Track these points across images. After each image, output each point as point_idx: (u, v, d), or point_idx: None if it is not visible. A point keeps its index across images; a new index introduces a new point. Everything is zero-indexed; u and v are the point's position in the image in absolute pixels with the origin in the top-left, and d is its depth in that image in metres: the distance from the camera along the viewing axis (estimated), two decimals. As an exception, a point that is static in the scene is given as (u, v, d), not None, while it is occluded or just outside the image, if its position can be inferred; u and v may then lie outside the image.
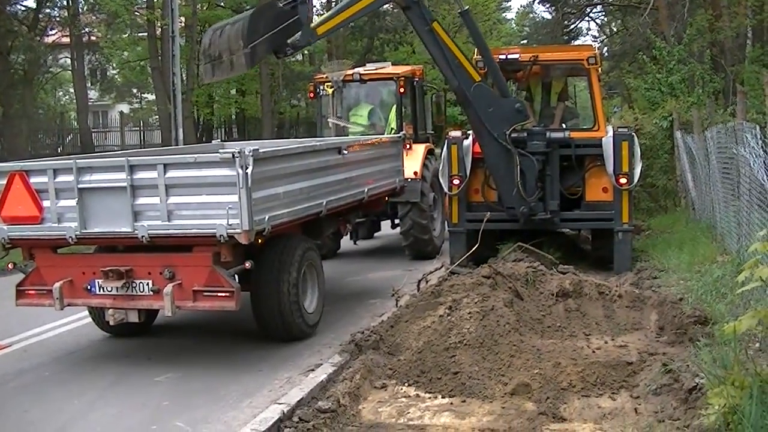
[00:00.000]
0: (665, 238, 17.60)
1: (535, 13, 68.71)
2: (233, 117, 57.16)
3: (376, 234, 20.29)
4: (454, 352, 9.31)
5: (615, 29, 53.03)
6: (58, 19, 44.59)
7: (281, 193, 10.34)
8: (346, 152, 12.28)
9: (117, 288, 10.21)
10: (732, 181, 12.66)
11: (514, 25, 70.62)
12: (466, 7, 14.59)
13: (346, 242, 18.43)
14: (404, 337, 10.22)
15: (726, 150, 13.19)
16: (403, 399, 8.68)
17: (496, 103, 14.19)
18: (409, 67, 19.71)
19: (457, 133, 15.45)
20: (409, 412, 8.27)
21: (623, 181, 14.61)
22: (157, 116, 45.86)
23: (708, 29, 31.05)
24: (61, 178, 10.20)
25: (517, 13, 71.59)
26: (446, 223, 16.58)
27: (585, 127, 16.21)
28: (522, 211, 14.60)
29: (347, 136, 17.72)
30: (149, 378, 9.98)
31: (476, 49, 14.67)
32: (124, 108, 54.13)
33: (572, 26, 51.23)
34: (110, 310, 10.52)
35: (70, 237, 10.21)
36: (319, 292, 11.79)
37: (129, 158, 10.02)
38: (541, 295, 11.51)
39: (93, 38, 46.29)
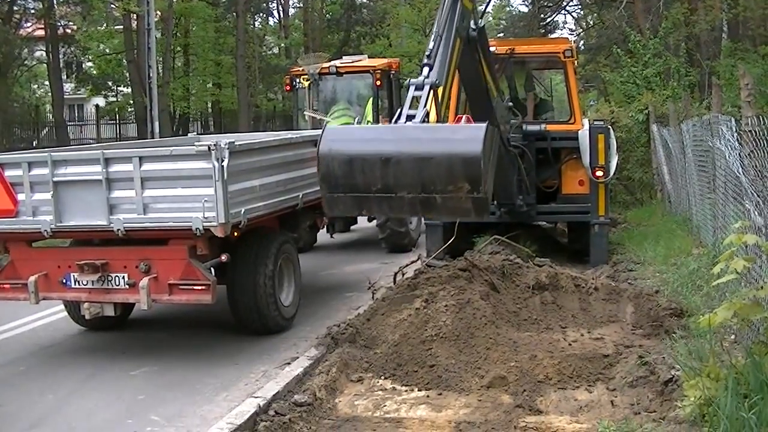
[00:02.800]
0: (641, 230, 17.66)
1: (512, 6, 68.66)
2: (209, 110, 57.05)
3: (352, 227, 20.23)
4: (430, 345, 9.30)
5: (591, 22, 53.10)
6: (32, 11, 44.37)
7: (257, 185, 10.31)
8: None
9: (92, 282, 10.16)
10: (708, 173, 12.70)
11: (490, 18, 70.61)
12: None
13: (322, 235, 18.39)
14: (380, 330, 10.20)
15: (702, 143, 13.24)
16: (380, 392, 8.67)
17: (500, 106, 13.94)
18: (385, 60, 19.72)
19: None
20: (385, 405, 8.26)
21: (599, 173, 14.62)
22: (132, 109, 45.68)
23: (683, 23, 31.17)
24: (36, 171, 10.13)
25: (493, 6, 71.47)
26: (422, 215, 16.53)
27: (561, 120, 16.20)
28: (518, 204, 14.58)
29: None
30: (125, 372, 9.94)
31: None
32: (100, 101, 53.88)
33: (549, 19, 51.26)
34: (86, 303, 10.47)
35: (45, 230, 10.15)
36: (295, 285, 11.77)
37: (104, 151, 9.97)
38: (517, 288, 11.51)
39: (68, 31, 46.07)
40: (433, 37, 10.34)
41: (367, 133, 10.01)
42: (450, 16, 10.46)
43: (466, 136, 9.18)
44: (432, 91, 9.77)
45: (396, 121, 9.65)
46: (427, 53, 10.18)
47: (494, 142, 9.75)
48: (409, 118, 9.52)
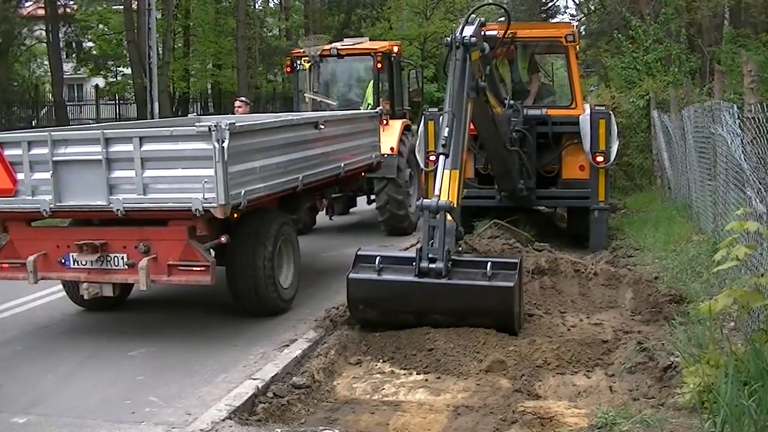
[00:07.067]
0: (641, 216, 17.67)
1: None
2: (209, 91, 56.98)
3: (352, 209, 20.23)
4: (429, 329, 9.29)
5: (593, 7, 53.02)
6: (33, -10, 44.31)
7: (258, 167, 10.28)
8: (322, 127, 12.24)
9: (92, 262, 10.14)
10: (708, 160, 12.68)
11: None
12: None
13: (321, 218, 18.39)
14: (380, 313, 10.21)
15: (703, 129, 13.22)
16: (378, 375, 8.68)
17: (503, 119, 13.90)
18: (386, 43, 19.67)
19: (434, 109, 15.39)
20: (383, 389, 8.27)
21: (600, 159, 14.60)
22: (132, 90, 45.63)
23: (685, 9, 31.11)
24: (35, 151, 10.08)
25: (495, -10, 71.20)
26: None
27: (562, 104, 16.16)
28: (519, 188, 14.56)
29: (324, 111, 17.68)
30: (123, 353, 9.93)
31: None
32: (100, 81, 53.80)
33: (550, 4, 51.24)
34: (85, 284, 10.44)
35: (45, 210, 10.11)
36: (294, 267, 11.76)
37: (104, 131, 9.92)
38: (516, 273, 11.51)
39: (68, 10, 45.98)
40: (446, 122, 10.07)
41: (395, 289, 9.79)
42: (459, 87, 10.38)
43: (498, 299, 9.36)
44: (447, 213, 9.69)
45: (419, 259, 9.53)
46: (442, 142, 9.98)
47: (523, 279, 10.01)
48: (431, 257, 9.45)
